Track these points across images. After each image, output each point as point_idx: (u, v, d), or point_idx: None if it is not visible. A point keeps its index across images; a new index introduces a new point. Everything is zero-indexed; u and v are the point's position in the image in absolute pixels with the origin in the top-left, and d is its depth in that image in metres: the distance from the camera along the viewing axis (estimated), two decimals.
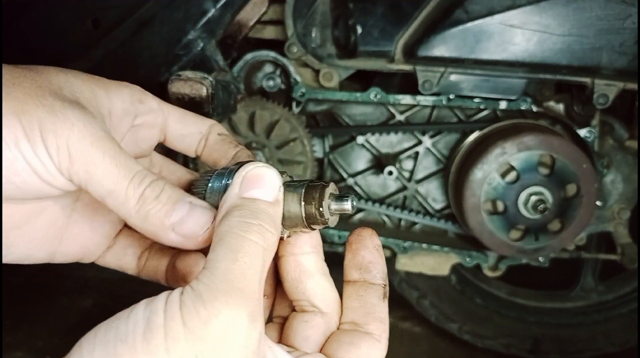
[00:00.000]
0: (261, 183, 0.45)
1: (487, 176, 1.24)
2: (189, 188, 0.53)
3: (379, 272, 0.52)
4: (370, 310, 0.51)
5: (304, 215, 0.48)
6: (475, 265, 1.43)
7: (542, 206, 1.23)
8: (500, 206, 1.27)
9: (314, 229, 0.50)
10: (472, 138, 1.34)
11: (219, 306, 0.38)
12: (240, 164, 0.50)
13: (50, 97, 0.45)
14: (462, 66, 1.21)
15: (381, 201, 1.41)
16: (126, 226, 0.57)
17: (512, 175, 1.25)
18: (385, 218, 1.44)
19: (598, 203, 1.38)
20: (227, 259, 0.40)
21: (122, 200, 0.45)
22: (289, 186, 0.50)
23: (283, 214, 0.49)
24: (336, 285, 0.53)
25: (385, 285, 0.52)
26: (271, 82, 1.29)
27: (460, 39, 1.18)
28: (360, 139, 1.38)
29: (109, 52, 1.02)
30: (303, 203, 0.48)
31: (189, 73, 0.93)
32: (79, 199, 0.54)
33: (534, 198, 1.24)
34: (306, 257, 0.52)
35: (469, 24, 1.17)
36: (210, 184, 0.50)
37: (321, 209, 0.48)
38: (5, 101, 0.43)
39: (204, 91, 0.92)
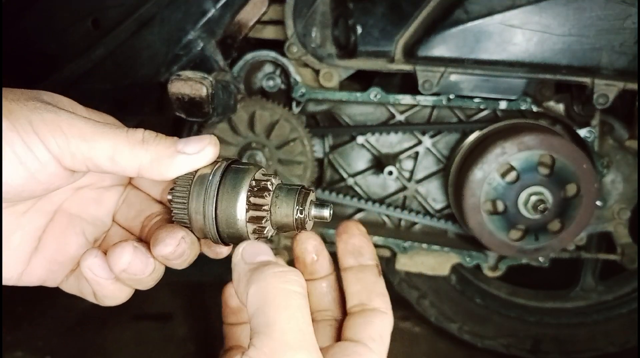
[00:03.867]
0: (261, 251, 0.50)
1: (487, 176, 1.24)
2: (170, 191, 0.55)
3: (370, 254, 0.60)
4: (371, 288, 0.57)
5: (294, 220, 0.52)
6: (475, 265, 1.43)
7: (542, 206, 1.23)
8: (500, 206, 1.27)
9: (298, 231, 0.54)
10: (472, 138, 1.34)
11: None
12: (230, 163, 0.54)
13: (34, 101, 0.49)
14: (462, 66, 1.20)
15: (381, 201, 1.41)
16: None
17: (512, 175, 1.25)
18: (385, 218, 1.44)
19: (598, 203, 1.38)
20: (282, 318, 0.42)
21: (129, 149, 0.50)
22: (281, 189, 0.53)
23: (276, 219, 0.53)
24: None
25: (377, 265, 0.59)
26: (271, 82, 1.29)
27: (460, 39, 1.18)
28: (360, 139, 1.38)
29: (109, 52, 1.02)
30: (296, 210, 0.52)
31: (189, 73, 0.93)
32: (52, 220, 0.57)
33: (534, 198, 1.24)
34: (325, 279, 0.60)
35: (469, 24, 1.17)
36: (197, 175, 0.53)
37: (306, 216, 0.52)
38: None
39: (204, 91, 0.92)
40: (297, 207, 0.52)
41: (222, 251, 0.58)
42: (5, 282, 0.54)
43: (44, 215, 0.57)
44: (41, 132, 0.47)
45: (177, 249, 0.52)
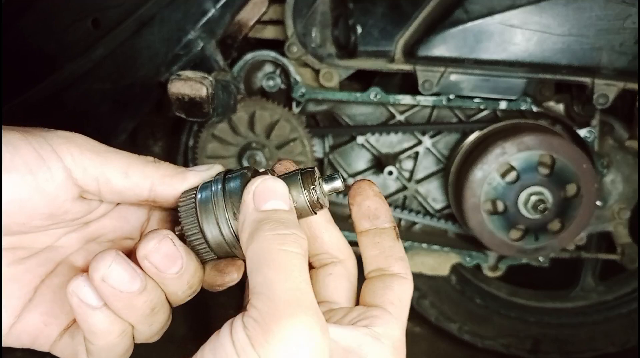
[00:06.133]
0: (273, 195, 0.47)
1: (487, 176, 1.24)
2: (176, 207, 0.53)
3: (386, 216, 0.56)
4: (389, 253, 0.55)
5: (309, 204, 0.51)
6: (475, 265, 1.43)
7: (542, 206, 1.23)
8: (500, 206, 1.27)
9: (315, 213, 0.53)
10: (472, 137, 1.34)
11: (289, 330, 0.39)
12: (224, 173, 0.53)
13: (43, 129, 0.51)
14: (462, 66, 1.20)
15: None
16: None
17: (512, 175, 1.25)
18: None
19: (598, 203, 1.38)
20: (280, 277, 0.42)
21: (142, 166, 0.51)
22: (284, 179, 0.51)
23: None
24: None
25: (394, 226, 0.56)
26: (271, 82, 1.29)
27: (460, 39, 1.18)
28: (360, 139, 1.38)
29: (109, 52, 1.02)
30: (305, 194, 0.51)
31: (189, 73, 0.93)
32: (53, 271, 0.54)
33: (534, 198, 1.24)
34: (315, 216, 0.55)
35: (469, 24, 1.17)
36: (199, 196, 0.51)
37: (319, 194, 0.51)
38: (6, 130, 0.48)
39: (204, 91, 0.92)
40: (305, 190, 0.51)
41: (233, 274, 0.54)
42: None
43: (45, 265, 0.53)
44: (55, 144, 0.48)
45: (162, 246, 0.47)
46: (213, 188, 0.51)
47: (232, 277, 0.53)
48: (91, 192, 0.51)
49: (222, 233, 0.50)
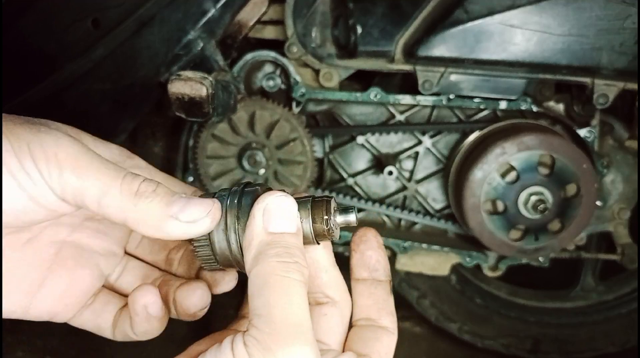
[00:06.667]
0: (282, 214, 0.48)
1: (487, 176, 1.24)
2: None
3: (385, 269, 0.58)
4: (382, 305, 0.57)
5: (313, 234, 0.50)
6: (475, 265, 1.43)
7: (542, 206, 1.23)
8: (500, 206, 1.27)
9: (319, 243, 0.52)
10: (472, 138, 1.34)
11: (289, 353, 0.41)
12: (243, 186, 0.52)
13: (37, 125, 0.48)
14: (462, 66, 1.20)
15: (381, 201, 1.41)
16: (105, 287, 0.58)
17: (512, 175, 1.25)
18: (385, 218, 1.44)
19: (598, 203, 1.38)
20: (281, 302, 0.43)
21: (119, 198, 0.46)
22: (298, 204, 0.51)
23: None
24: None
25: (390, 281, 0.58)
26: (271, 82, 1.29)
27: (460, 39, 1.18)
28: (360, 139, 1.38)
29: (109, 52, 1.02)
30: (311, 223, 0.50)
31: (189, 73, 0.93)
32: (61, 250, 0.54)
33: (534, 198, 1.24)
34: (319, 253, 0.55)
35: (469, 24, 1.17)
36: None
37: (329, 225, 0.50)
38: None
39: (204, 91, 0.92)
40: (311, 218, 0.50)
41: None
42: (9, 315, 0.51)
43: (50, 246, 0.53)
44: (37, 158, 0.45)
45: (151, 310, 0.53)
46: (228, 201, 0.51)
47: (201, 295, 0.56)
48: (73, 206, 0.49)
49: (229, 245, 0.50)
